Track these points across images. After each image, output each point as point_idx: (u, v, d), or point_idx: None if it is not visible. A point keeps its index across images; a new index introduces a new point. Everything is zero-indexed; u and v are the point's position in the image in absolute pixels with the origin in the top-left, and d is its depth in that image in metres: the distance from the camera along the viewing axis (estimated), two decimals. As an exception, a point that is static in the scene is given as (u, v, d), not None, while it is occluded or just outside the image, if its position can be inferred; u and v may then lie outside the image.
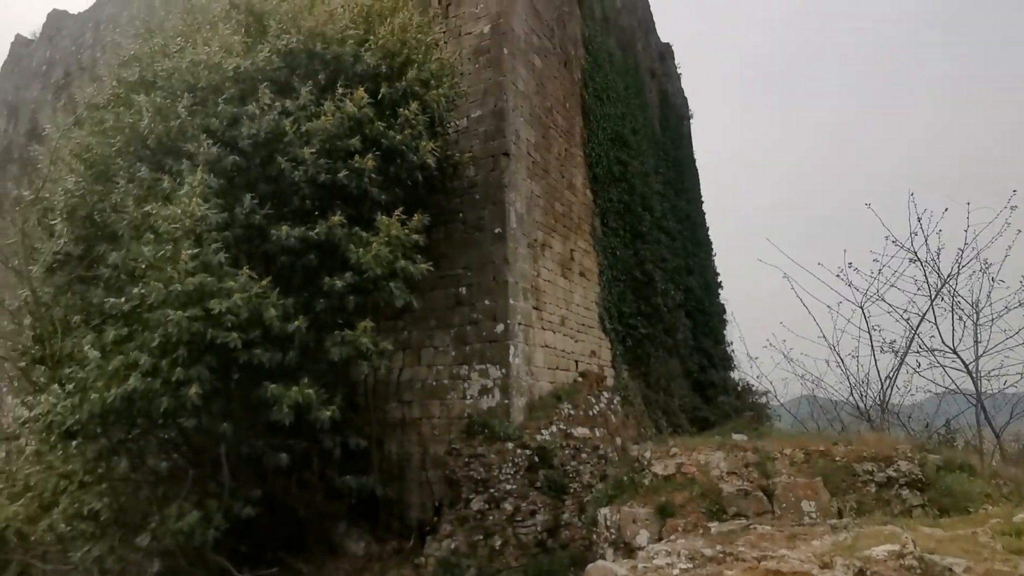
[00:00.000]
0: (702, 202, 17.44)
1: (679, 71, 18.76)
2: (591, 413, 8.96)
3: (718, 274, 16.97)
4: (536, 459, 7.42)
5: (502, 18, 9.06)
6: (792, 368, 8.01)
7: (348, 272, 6.54)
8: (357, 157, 6.79)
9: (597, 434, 8.82)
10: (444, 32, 9.37)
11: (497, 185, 8.54)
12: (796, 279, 7.67)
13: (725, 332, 16.01)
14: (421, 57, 7.62)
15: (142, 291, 5.61)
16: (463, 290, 8.46)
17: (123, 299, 5.74)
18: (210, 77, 7.13)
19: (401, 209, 6.93)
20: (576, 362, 9.86)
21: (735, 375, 15.22)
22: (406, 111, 7.16)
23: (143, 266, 5.77)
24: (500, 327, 8.05)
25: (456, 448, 7.57)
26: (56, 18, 18.47)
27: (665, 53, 18.03)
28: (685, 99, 18.77)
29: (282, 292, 6.16)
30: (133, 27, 8.58)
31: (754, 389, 13.82)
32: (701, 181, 17.63)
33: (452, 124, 8.84)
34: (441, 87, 7.76)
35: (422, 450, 8.18)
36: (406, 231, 6.78)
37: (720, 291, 16.67)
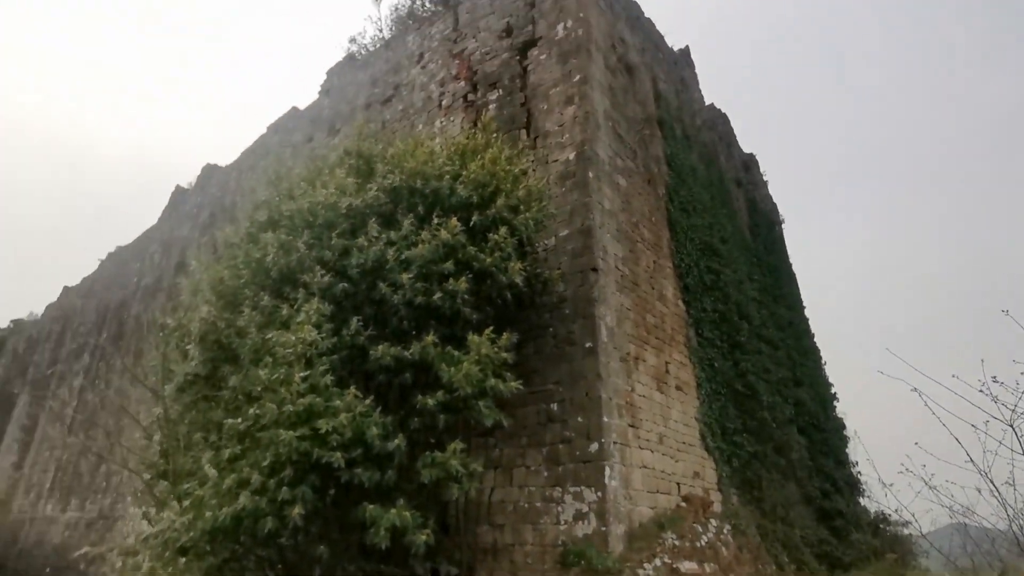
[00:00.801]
0: (803, 308, 16.54)
1: (765, 178, 18.78)
2: (698, 545, 8.12)
3: (831, 385, 15.60)
4: (639, 598, 6.73)
5: (586, 145, 9.68)
6: (937, 498, 6.92)
7: (440, 391, 6.71)
8: (451, 280, 7.22)
9: (707, 570, 7.93)
10: (533, 161, 10.12)
11: (586, 300, 8.64)
12: (926, 393, 6.85)
13: (848, 451, 14.36)
14: (509, 186, 8.21)
15: (257, 411, 6.03)
16: (554, 406, 8.33)
17: (239, 419, 6.19)
18: (326, 215, 8.06)
19: (491, 328, 7.17)
20: (678, 484, 9.15)
21: (865, 502, 13.37)
22: (495, 236, 7.63)
23: (259, 388, 6.25)
24: (594, 446, 7.74)
25: (550, 580, 7.05)
26: (208, 170, 22.02)
27: (749, 163, 18.23)
28: (774, 205, 18.58)
29: (381, 411, 6.38)
30: (266, 175, 9.99)
31: (892, 519, 12.00)
32: (801, 287, 16.84)
33: (541, 244, 9.25)
34: (529, 211, 8.25)
35: (515, 581, 7.69)
36: (496, 349, 6.94)
37: (836, 404, 15.21)
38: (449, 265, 7.32)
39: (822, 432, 13.82)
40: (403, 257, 7.39)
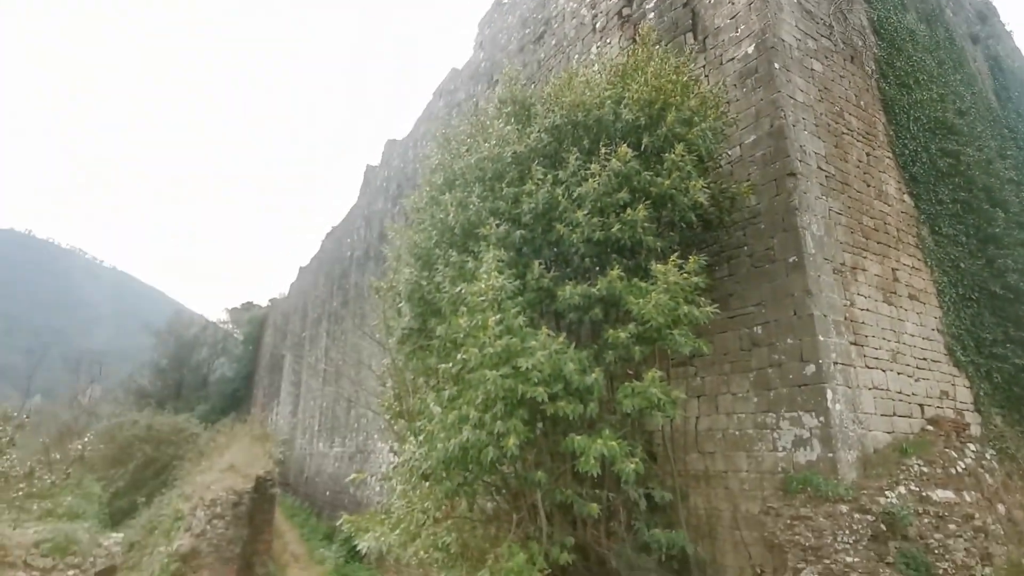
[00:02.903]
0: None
1: (1008, 28, 14.65)
2: (954, 472, 7.04)
3: None
4: (882, 527, 6.09)
5: (767, 32, 8.41)
6: None
7: (631, 324, 6.62)
8: (628, 210, 6.94)
9: (967, 499, 6.87)
10: (704, 66, 9.14)
11: (785, 210, 7.70)
12: None
13: None
14: (679, 99, 7.51)
15: (463, 356, 6.56)
16: (758, 330, 7.71)
17: (450, 364, 6.81)
18: (493, 167, 8.25)
19: (677, 254, 6.79)
20: (920, 407, 7.97)
21: None
22: (671, 155, 7.09)
23: (461, 335, 6.78)
24: (810, 368, 7.03)
25: (773, 507, 6.72)
26: (390, 145, 24.08)
27: (986, 11, 14.31)
28: (1030, 56, 14.46)
29: (575, 347, 6.52)
30: (436, 140, 10.52)
31: None
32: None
33: (723, 156, 8.41)
34: (704, 122, 7.49)
35: (732, 507, 7.50)
36: (684, 275, 6.58)
37: None
38: (624, 195, 7.04)
39: None
40: (574, 195, 7.29)
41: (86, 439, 16.52)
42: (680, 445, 8.12)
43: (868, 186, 8.99)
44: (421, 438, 6.77)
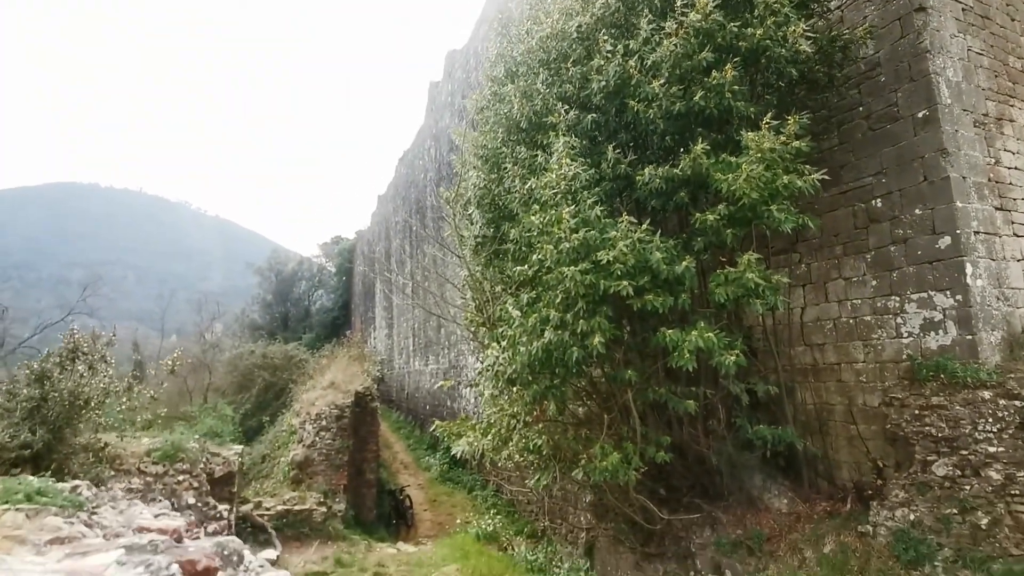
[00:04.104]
0: None
1: None
2: None
3: None
4: (1035, 414, 5.27)
5: None
6: None
7: (721, 205, 5.86)
8: (712, 73, 5.97)
9: None
10: None
11: (912, 53, 6.37)
12: None
13: None
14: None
15: (539, 256, 6.15)
16: (876, 203, 6.66)
17: (526, 266, 6.44)
18: (557, 46, 7.40)
19: (770, 115, 5.82)
20: (1086, 276, 6.72)
21: None
22: (763, -2, 5.94)
23: (535, 234, 6.35)
24: (944, 240, 6.01)
25: (896, 398, 6.02)
26: (450, 56, 23.02)
27: None
28: None
29: (660, 236, 5.91)
30: (494, 29, 9.65)
31: None
32: None
33: (830, -4, 7.03)
34: (807, -49, 6.19)
35: (846, 400, 6.86)
36: (782, 140, 5.64)
37: None
38: (707, 55, 6.04)
39: None
40: (648, 63, 6.37)
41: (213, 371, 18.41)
42: (783, 339, 7.44)
43: (1013, 20, 7.29)
44: (504, 344, 6.58)
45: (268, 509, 8.84)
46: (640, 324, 6.11)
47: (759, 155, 5.58)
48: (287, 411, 17.39)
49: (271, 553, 7.86)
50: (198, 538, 3.36)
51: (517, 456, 7.54)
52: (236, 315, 48.97)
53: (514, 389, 6.88)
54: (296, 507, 8.98)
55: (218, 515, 4.29)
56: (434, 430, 7.93)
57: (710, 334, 5.31)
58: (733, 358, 5.35)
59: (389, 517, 13.93)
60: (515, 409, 7.31)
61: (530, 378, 6.35)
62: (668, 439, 6.68)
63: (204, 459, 4.49)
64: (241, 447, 8.40)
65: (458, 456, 7.38)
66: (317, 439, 10.44)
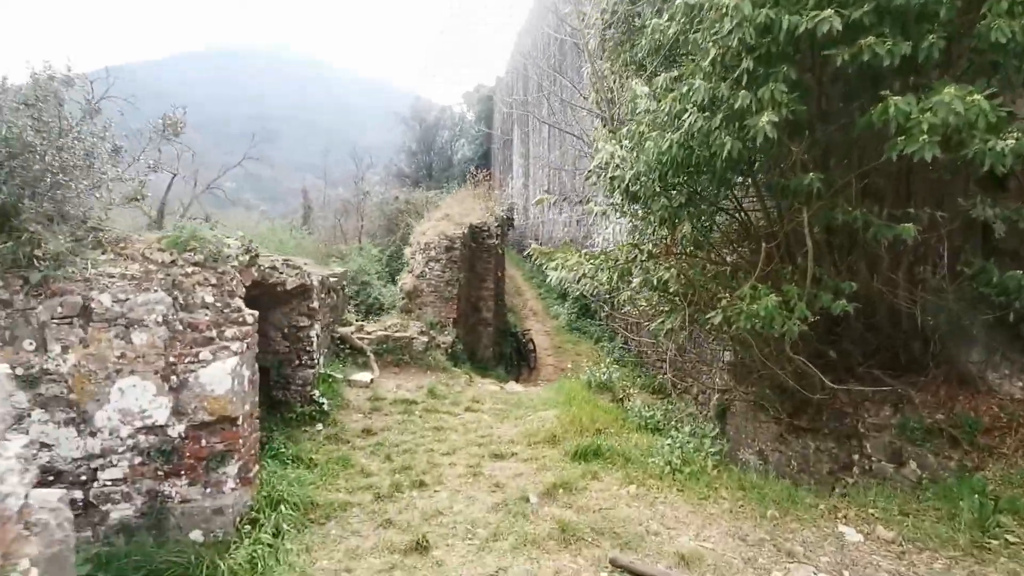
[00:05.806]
0: None
1: None
2: None
3: None
4: None
5: None
6: None
7: None
8: None
9: None
10: None
11: None
12: None
13: None
14: None
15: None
16: None
17: (665, 18, 4.40)
18: None
19: None
20: None
21: None
22: None
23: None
24: None
25: None
26: None
27: None
28: None
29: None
30: None
31: None
32: None
33: None
34: None
35: None
36: None
37: None
38: None
39: None
40: None
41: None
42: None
43: None
44: (626, 142, 4.84)
45: (369, 333, 8.61)
46: (844, 92, 3.92)
47: None
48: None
49: (367, 376, 7.64)
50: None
51: (640, 300, 6.11)
52: (386, 164, 51.16)
53: (636, 207, 5.21)
54: (396, 334, 8.65)
55: (241, 320, 3.52)
56: (527, 253, 6.66)
57: (977, 96, 3.08)
58: (1012, 143, 3.12)
59: (511, 358, 13.84)
60: (636, 239, 5.73)
61: (658, 188, 4.63)
62: (852, 285, 4.73)
63: (238, 255, 3.66)
64: (343, 270, 8.00)
65: (552, 283, 6.10)
66: (426, 269, 9.87)
